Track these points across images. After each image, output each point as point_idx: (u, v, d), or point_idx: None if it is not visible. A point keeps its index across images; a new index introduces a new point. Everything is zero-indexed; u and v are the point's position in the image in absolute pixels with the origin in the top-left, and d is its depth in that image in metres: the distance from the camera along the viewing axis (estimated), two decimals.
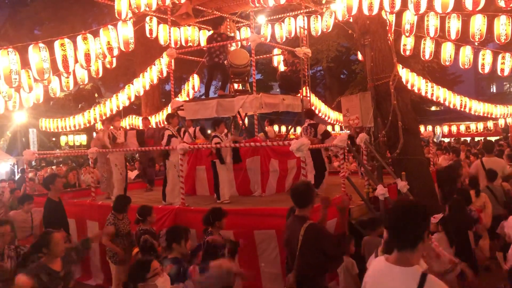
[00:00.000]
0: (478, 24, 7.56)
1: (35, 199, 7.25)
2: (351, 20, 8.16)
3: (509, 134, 23.25)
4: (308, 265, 3.71)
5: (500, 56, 8.94)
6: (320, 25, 9.90)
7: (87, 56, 7.08)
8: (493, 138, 22.25)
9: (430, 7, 6.59)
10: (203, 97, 9.56)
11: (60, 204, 6.51)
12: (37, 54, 6.75)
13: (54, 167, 14.89)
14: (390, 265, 2.32)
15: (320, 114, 16.97)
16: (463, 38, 8.31)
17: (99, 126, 15.24)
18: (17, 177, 16.02)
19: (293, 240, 3.78)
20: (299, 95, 8.95)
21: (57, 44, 6.91)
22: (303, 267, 3.72)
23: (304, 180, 5.29)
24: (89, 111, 14.27)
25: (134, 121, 16.92)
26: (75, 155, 19.88)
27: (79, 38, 7.07)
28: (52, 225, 6.07)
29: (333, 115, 17.94)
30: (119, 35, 7.51)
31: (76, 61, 7.14)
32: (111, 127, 8.27)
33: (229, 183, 7.27)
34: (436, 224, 5.17)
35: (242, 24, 11.01)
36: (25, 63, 7.04)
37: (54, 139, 26.05)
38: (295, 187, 3.99)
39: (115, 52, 7.54)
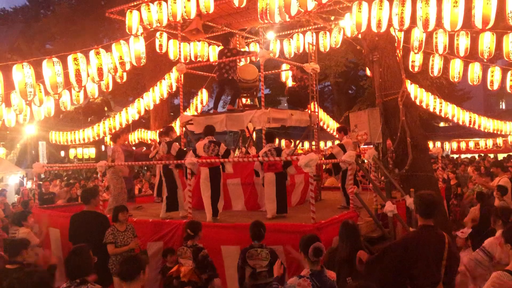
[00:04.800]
0: (487, 41, 7.60)
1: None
2: (359, 36, 8.22)
3: None
4: (453, 279, 3.62)
5: (509, 73, 8.93)
6: (329, 41, 9.97)
7: (100, 71, 7.20)
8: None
9: (439, 24, 6.63)
10: (212, 111, 9.63)
11: None
12: (51, 69, 6.87)
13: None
14: None
15: (328, 129, 16.99)
16: (472, 55, 8.33)
17: (108, 140, 15.36)
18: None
19: (431, 253, 3.46)
20: (307, 110, 8.99)
21: (70, 58, 7.03)
22: (451, 280, 3.58)
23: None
24: (98, 125, 14.39)
25: (143, 135, 17.02)
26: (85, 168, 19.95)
27: (91, 53, 7.19)
28: None
29: None
30: (131, 50, 7.63)
31: (88, 75, 7.25)
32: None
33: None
34: (465, 239, 5.10)
35: (251, 40, 11.13)
36: (37, 77, 7.13)
37: (63, 152, 26.22)
38: (429, 197, 3.61)
39: (127, 67, 7.66)
